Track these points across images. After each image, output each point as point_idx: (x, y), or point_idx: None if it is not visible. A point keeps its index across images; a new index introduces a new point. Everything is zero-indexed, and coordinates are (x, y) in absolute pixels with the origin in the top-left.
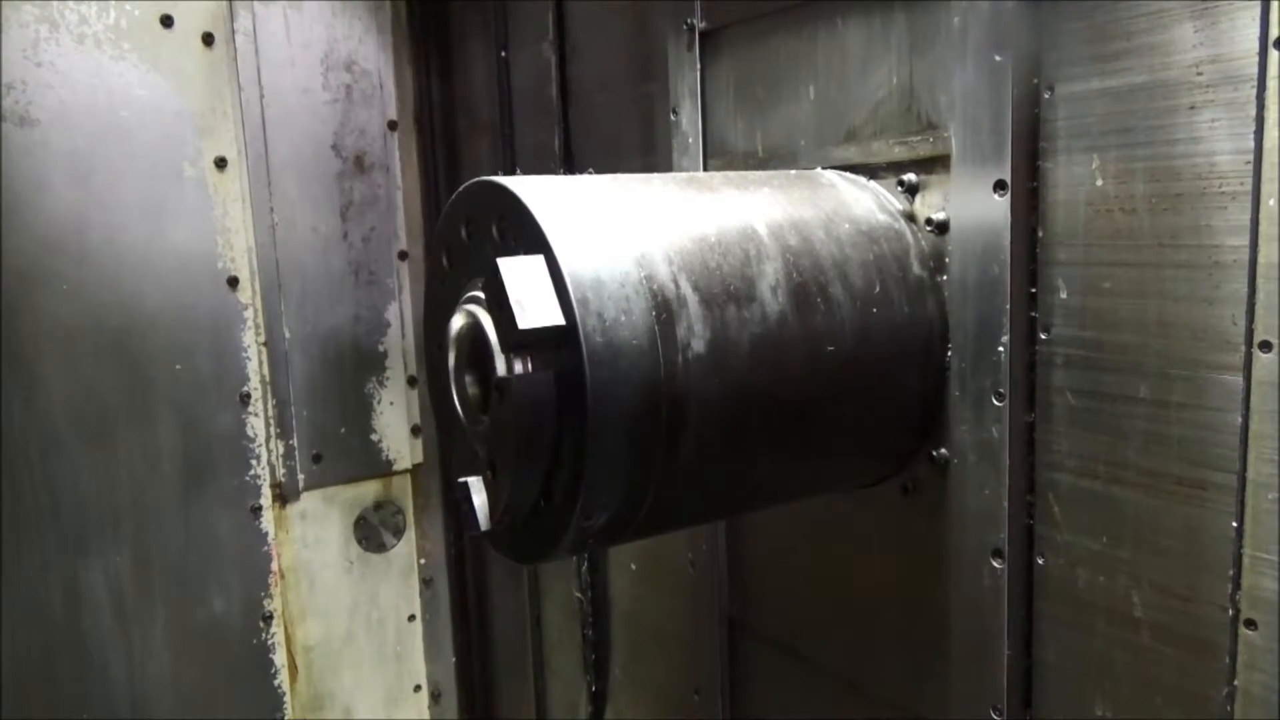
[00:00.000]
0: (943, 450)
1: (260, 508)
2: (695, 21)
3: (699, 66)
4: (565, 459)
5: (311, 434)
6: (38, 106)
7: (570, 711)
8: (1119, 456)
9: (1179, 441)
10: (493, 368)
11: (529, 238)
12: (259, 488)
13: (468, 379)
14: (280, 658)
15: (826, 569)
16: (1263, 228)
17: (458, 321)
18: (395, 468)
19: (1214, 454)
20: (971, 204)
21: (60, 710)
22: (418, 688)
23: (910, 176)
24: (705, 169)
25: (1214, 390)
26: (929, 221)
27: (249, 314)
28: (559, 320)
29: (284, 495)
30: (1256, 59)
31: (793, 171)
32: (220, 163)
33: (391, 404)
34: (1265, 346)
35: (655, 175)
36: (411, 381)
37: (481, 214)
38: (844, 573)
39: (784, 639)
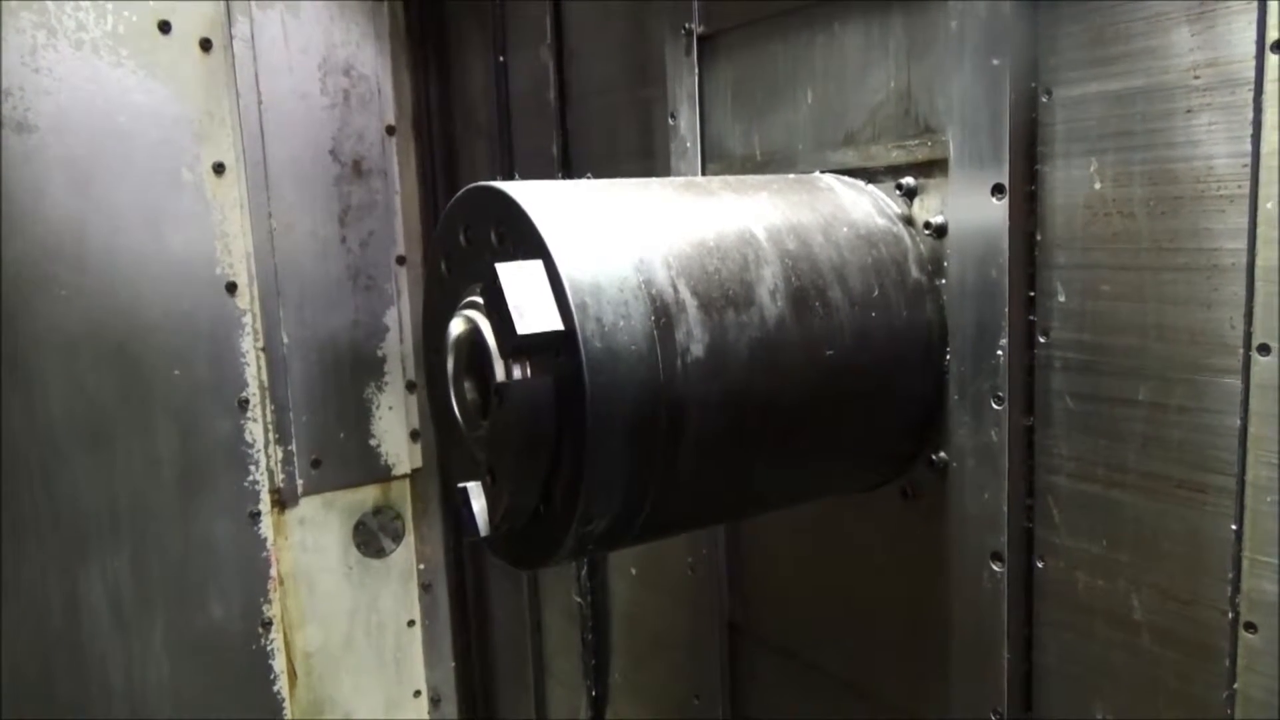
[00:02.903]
0: (942, 454)
1: (259, 513)
2: (693, 26)
3: (697, 71)
4: (564, 464)
5: (310, 439)
6: (36, 112)
7: (570, 715)
8: (1118, 460)
9: (1178, 445)
10: (492, 373)
11: (528, 243)
12: (258, 493)
13: (467, 384)
14: (279, 663)
15: (826, 573)
16: (1261, 230)
17: (456, 327)
18: (394, 473)
19: (1213, 457)
20: (969, 208)
21: (59, 716)
22: (417, 693)
23: (908, 180)
24: (703, 173)
25: (1213, 393)
26: (927, 225)
27: (247, 319)
28: (558, 325)
29: (283, 501)
30: (1254, 62)
31: (791, 175)
32: (218, 168)
33: (390, 409)
34: (1264, 349)
35: (653, 180)
36: (410, 386)
37: (480, 219)
38: (844, 576)
39: (784, 643)
